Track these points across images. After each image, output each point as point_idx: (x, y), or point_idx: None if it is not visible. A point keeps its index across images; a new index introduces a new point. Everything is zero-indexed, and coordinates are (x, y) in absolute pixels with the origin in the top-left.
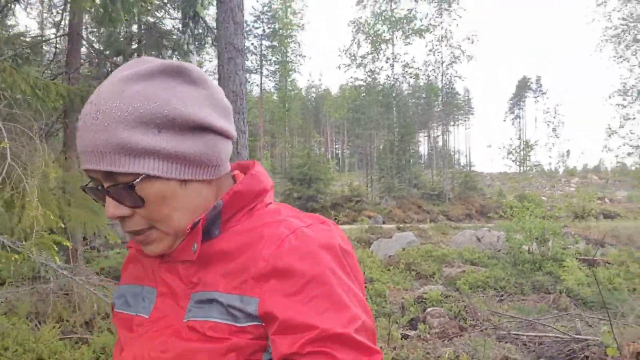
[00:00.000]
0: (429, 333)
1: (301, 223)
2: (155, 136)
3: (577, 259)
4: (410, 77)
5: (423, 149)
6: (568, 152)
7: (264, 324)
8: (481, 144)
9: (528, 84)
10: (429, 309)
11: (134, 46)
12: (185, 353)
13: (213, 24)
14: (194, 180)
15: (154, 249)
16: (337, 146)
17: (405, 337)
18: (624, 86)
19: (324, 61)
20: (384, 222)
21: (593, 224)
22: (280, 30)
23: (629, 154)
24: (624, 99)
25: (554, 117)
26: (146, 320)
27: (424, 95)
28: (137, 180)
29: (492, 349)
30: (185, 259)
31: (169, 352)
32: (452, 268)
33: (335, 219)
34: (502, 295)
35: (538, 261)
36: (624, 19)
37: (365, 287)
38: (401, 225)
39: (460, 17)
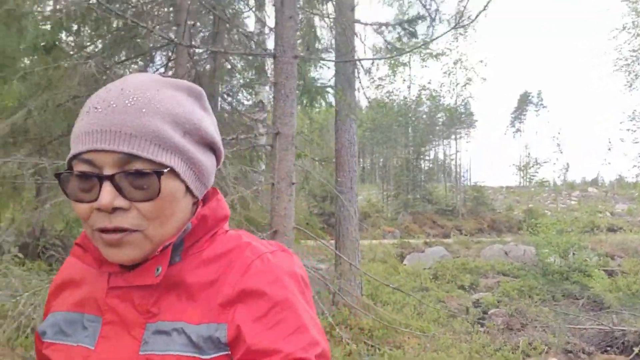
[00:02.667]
0: (497, 329)
1: (265, 249)
2: (181, 137)
3: (598, 269)
4: (427, 99)
5: (425, 163)
6: (568, 165)
7: (230, 352)
8: (480, 157)
9: (529, 97)
10: (492, 310)
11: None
12: None
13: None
14: (190, 193)
15: (126, 253)
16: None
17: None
18: (633, 112)
19: None
20: (401, 237)
21: (603, 238)
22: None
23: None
24: (634, 124)
25: (559, 133)
26: (92, 352)
27: (426, 110)
28: (165, 170)
29: (558, 338)
30: (145, 283)
31: None
32: (487, 279)
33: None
34: (536, 302)
35: (565, 272)
36: (633, 50)
37: (423, 295)
38: (428, 240)
39: (475, 41)
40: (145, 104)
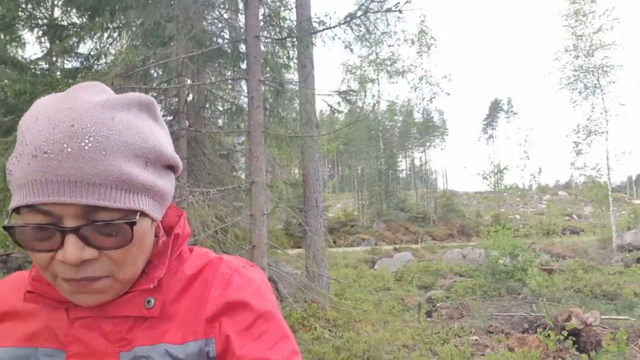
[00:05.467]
0: (440, 319)
1: (238, 264)
2: (143, 170)
3: (540, 268)
4: (395, 115)
5: (399, 173)
6: (540, 169)
7: None
8: (456, 164)
9: (500, 105)
10: (438, 304)
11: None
12: None
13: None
14: (154, 221)
15: (94, 299)
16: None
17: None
18: (577, 126)
19: None
20: (376, 244)
21: (557, 240)
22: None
23: (584, 183)
24: (578, 137)
25: (525, 141)
26: None
27: (400, 118)
28: (136, 217)
29: (483, 323)
30: (132, 314)
31: None
32: (445, 279)
33: (334, 242)
34: (485, 297)
35: (510, 271)
36: (575, 69)
37: (385, 294)
38: (397, 247)
39: (438, 59)
40: (104, 144)
